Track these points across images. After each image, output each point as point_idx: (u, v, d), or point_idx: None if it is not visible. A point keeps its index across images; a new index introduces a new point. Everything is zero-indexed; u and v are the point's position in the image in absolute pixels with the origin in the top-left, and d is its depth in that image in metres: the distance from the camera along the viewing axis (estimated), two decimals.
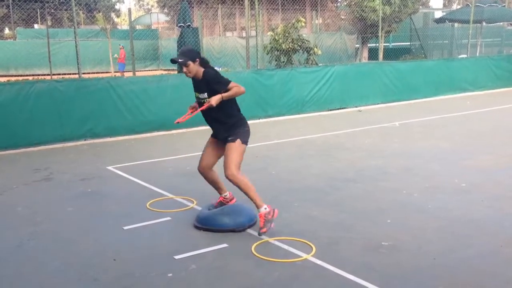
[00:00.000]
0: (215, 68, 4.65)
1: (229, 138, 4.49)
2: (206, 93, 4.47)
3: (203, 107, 4.45)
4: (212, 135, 4.79)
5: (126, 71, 20.29)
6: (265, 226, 4.37)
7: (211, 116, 4.58)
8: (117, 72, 21.85)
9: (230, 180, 4.41)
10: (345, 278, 3.67)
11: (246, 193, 4.45)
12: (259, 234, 4.38)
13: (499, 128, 9.59)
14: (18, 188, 6.27)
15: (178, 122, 4.62)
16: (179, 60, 4.37)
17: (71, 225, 4.93)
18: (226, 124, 4.56)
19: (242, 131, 4.56)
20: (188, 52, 4.46)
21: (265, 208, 4.41)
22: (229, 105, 4.54)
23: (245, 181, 4.43)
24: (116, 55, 21.82)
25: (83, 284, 3.70)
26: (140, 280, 3.72)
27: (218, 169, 4.83)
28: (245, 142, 4.54)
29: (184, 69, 4.42)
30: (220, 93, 4.40)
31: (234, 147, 4.45)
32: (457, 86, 14.67)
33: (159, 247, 4.33)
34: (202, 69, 4.46)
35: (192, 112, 4.68)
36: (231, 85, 4.45)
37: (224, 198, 4.89)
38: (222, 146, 4.60)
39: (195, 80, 4.55)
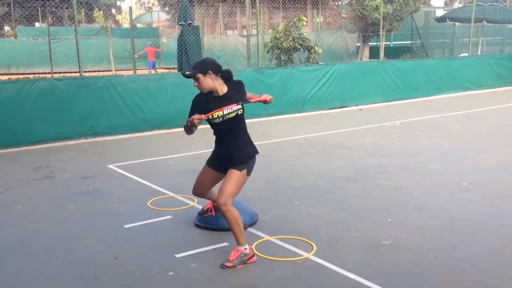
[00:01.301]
0: None
1: (237, 165, 3.98)
2: (240, 104, 4.01)
3: (261, 99, 4.07)
4: (210, 164, 4.30)
5: (127, 69, 20.28)
6: (233, 262, 3.83)
7: (232, 134, 4.04)
8: (116, 70, 21.84)
9: (220, 208, 3.87)
10: (346, 277, 3.67)
11: (232, 227, 3.89)
12: (222, 266, 3.84)
13: (500, 127, 9.58)
14: (19, 186, 6.27)
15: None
16: (187, 73, 3.95)
17: (72, 223, 4.94)
18: (241, 145, 4.06)
19: (252, 160, 4.10)
20: (200, 63, 3.96)
21: (245, 249, 3.91)
22: (245, 122, 4.14)
23: (236, 216, 3.88)
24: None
25: (84, 281, 3.71)
26: (141, 278, 3.73)
27: None
28: (249, 173, 4.06)
29: (195, 84, 3.95)
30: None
31: (237, 177, 3.95)
32: (459, 85, 14.66)
33: (160, 245, 4.34)
34: (224, 84, 4.01)
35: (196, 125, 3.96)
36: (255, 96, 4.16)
37: (215, 204, 4.32)
38: (220, 175, 4.19)
39: (213, 97, 3.99)
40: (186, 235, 4.56)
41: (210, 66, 3.91)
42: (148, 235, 4.59)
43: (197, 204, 5.31)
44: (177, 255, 4.09)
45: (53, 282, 3.71)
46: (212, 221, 4.64)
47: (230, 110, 3.96)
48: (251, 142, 4.17)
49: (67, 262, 4.05)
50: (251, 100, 4.13)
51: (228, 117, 3.96)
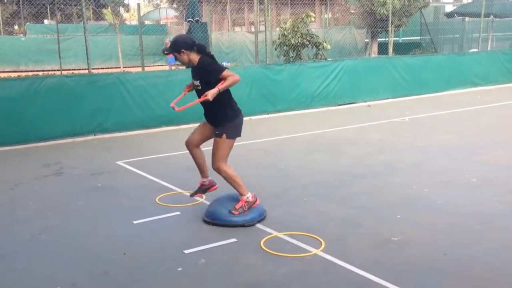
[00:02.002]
0: (224, 63, 4.67)
1: (216, 132, 4.55)
2: (198, 81, 4.53)
3: (199, 100, 4.49)
4: (205, 118, 4.82)
5: (136, 66, 20.35)
6: (239, 210, 4.54)
7: (208, 109, 4.61)
8: (124, 67, 21.90)
9: (218, 172, 4.59)
10: (354, 273, 3.66)
11: (231, 183, 4.59)
12: (229, 211, 4.53)
13: (510, 123, 9.50)
14: (29, 183, 6.32)
15: (172, 107, 4.66)
16: (164, 52, 4.53)
17: (81, 220, 4.96)
18: (219, 114, 4.56)
19: (230, 125, 4.55)
20: (172, 43, 4.49)
21: (248, 197, 4.60)
22: (225, 95, 4.52)
23: (230, 172, 4.57)
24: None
25: (94, 277, 3.73)
26: (150, 274, 3.74)
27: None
28: (231, 136, 4.55)
29: (176, 55, 4.49)
30: (215, 83, 4.39)
31: (220, 143, 4.53)
32: (468, 81, 14.53)
33: (169, 241, 4.35)
34: (198, 56, 4.47)
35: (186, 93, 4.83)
36: (225, 73, 4.41)
37: (203, 183, 4.92)
38: (210, 127, 4.70)
39: (192, 67, 4.59)
40: (194, 231, 4.57)
41: (182, 45, 4.43)
42: (156, 231, 4.60)
43: (205, 201, 5.32)
44: (186, 251, 4.09)
45: (62, 278, 3.73)
46: (220, 217, 4.64)
47: (194, 82, 4.61)
48: (232, 115, 4.57)
49: (76, 258, 4.08)
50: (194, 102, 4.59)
51: (194, 88, 4.65)
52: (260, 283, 3.57)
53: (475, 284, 3.47)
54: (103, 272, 3.80)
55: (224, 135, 4.51)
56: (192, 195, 5.04)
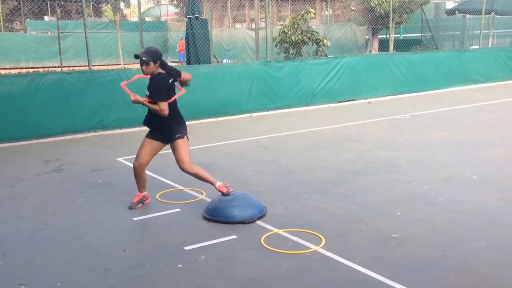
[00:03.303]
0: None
1: (177, 136, 4.81)
2: (149, 92, 4.74)
3: (143, 101, 4.75)
4: (149, 136, 5.01)
5: (136, 63, 20.31)
6: (228, 190, 4.86)
7: (154, 116, 4.82)
8: (125, 64, 21.89)
9: (188, 173, 4.85)
10: (355, 270, 3.66)
11: (203, 179, 4.89)
12: (223, 195, 4.83)
13: (511, 120, 9.49)
14: (29, 179, 6.32)
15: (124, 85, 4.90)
16: (143, 58, 4.60)
17: (82, 216, 4.97)
18: (168, 126, 4.83)
19: (182, 127, 4.90)
20: (154, 52, 4.68)
21: (219, 183, 4.89)
22: (172, 110, 4.78)
23: (199, 169, 4.90)
24: (178, 49, 22.38)
25: (95, 273, 3.74)
26: (151, 270, 3.75)
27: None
28: (185, 136, 4.91)
29: (144, 67, 4.66)
30: (150, 100, 4.69)
31: (183, 143, 4.82)
32: (469, 78, 14.52)
33: (169, 238, 4.36)
34: (158, 71, 4.71)
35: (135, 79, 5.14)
36: (159, 104, 4.65)
37: (144, 196, 5.16)
38: (159, 144, 4.96)
39: (150, 77, 4.79)
40: (194, 228, 4.57)
41: (160, 58, 4.70)
42: (157, 228, 4.61)
43: (206, 197, 5.33)
44: (186, 248, 4.10)
45: (63, 274, 3.74)
46: (220, 214, 4.64)
47: (146, 91, 4.77)
48: (180, 117, 4.93)
49: (77, 254, 4.08)
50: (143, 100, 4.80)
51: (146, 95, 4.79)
52: (260, 280, 3.58)
53: (475, 281, 3.47)
54: (103, 268, 3.80)
55: (185, 137, 4.88)
56: (132, 207, 5.09)
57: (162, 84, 4.70)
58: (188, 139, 4.93)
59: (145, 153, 4.99)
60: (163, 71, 4.74)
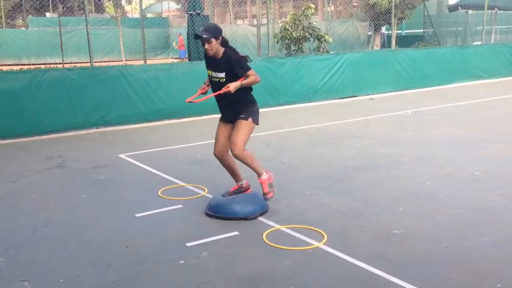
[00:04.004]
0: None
1: (241, 116, 4.50)
2: (224, 73, 4.41)
3: (221, 92, 4.38)
4: (221, 119, 4.75)
5: (138, 59, 20.35)
6: (270, 191, 4.59)
7: (224, 100, 4.52)
8: (126, 60, 21.88)
9: (237, 158, 4.52)
10: (357, 266, 3.66)
11: (249, 165, 4.58)
12: (265, 199, 4.59)
13: None
14: (31, 176, 6.33)
15: (189, 102, 4.59)
16: (204, 36, 4.29)
17: (84, 212, 4.98)
18: (237, 108, 4.54)
19: (253, 109, 4.59)
20: (213, 29, 4.36)
21: (265, 175, 4.61)
22: (245, 91, 4.51)
23: (250, 154, 4.57)
24: (175, 42, 22.34)
25: (97, 269, 3.74)
26: (153, 267, 3.75)
27: None
28: (256, 121, 4.59)
29: (206, 46, 4.33)
30: (240, 78, 4.38)
31: (245, 125, 4.49)
32: (471, 74, 14.47)
33: (171, 234, 4.36)
34: (222, 49, 4.42)
35: (204, 94, 4.66)
36: (250, 72, 4.41)
37: (240, 186, 4.82)
38: (232, 126, 4.63)
39: (211, 58, 4.46)
40: (196, 224, 4.58)
41: (221, 33, 4.37)
42: (159, 224, 4.61)
43: (208, 194, 5.33)
44: (188, 244, 4.10)
45: (65, 270, 3.74)
46: (222, 210, 4.64)
47: (215, 75, 4.48)
48: (249, 103, 4.59)
49: (79, 250, 4.09)
50: (215, 93, 4.50)
51: (213, 80, 4.51)
52: (262, 276, 3.58)
53: (477, 277, 3.47)
54: (105, 264, 3.81)
55: (251, 118, 4.52)
56: (226, 195, 4.85)
57: (238, 56, 4.42)
58: (255, 123, 4.59)
59: (221, 139, 4.68)
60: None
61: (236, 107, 4.54)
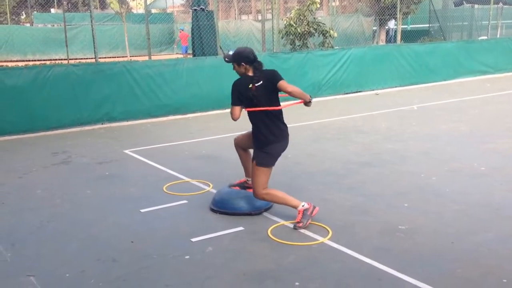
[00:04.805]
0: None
1: (253, 159, 4.38)
2: (261, 81, 4.41)
3: (299, 102, 4.71)
4: None
5: (143, 55, 20.36)
6: (302, 221, 4.24)
7: (261, 116, 4.45)
8: (131, 56, 21.89)
9: (261, 199, 4.41)
10: (362, 261, 3.66)
11: (280, 203, 4.37)
12: (294, 227, 4.24)
13: None
14: (37, 171, 6.35)
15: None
16: (225, 59, 4.48)
17: (89, 208, 4.99)
18: (257, 135, 4.42)
19: (258, 151, 4.37)
20: (237, 54, 4.41)
21: (303, 205, 4.31)
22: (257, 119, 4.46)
23: (276, 194, 4.33)
24: (178, 40, 22.57)
25: (102, 264, 3.76)
26: (158, 262, 3.76)
27: None
28: (261, 164, 4.30)
29: (233, 68, 4.48)
30: (282, 84, 4.50)
31: (255, 170, 4.33)
32: (477, 69, 14.39)
33: (176, 229, 4.37)
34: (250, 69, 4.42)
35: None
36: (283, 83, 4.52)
37: (246, 181, 4.81)
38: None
39: (244, 78, 4.42)
40: (201, 220, 4.58)
41: (243, 59, 4.37)
42: (164, 220, 4.62)
43: (212, 189, 5.33)
44: (193, 239, 4.11)
45: (71, 265, 3.76)
46: (227, 206, 4.65)
47: (256, 82, 4.39)
48: (263, 136, 4.40)
49: (84, 245, 4.11)
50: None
51: (255, 93, 4.37)
52: (268, 271, 3.58)
53: (482, 272, 3.46)
54: (111, 260, 3.82)
55: (254, 162, 4.34)
56: (231, 186, 4.88)
57: (240, 85, 4.36)
58: (262, 167, 4.31)
59: (243, 136, 4.71)
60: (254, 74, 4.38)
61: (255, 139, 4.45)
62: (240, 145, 4.73)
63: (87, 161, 6.78)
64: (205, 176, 5.80)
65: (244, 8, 32.55)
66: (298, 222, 4.25)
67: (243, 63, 4.38)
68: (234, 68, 4.47)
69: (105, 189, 5.58)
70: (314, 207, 4.35)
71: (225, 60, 4.50)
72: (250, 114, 4.39)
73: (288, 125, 4.50)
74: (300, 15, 12.27)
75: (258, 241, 4.05)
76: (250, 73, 4.40)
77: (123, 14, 21.70)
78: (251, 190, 4.68)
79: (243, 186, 4.85)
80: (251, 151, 4.55)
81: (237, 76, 4.45)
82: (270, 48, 12.55)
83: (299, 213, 4.28)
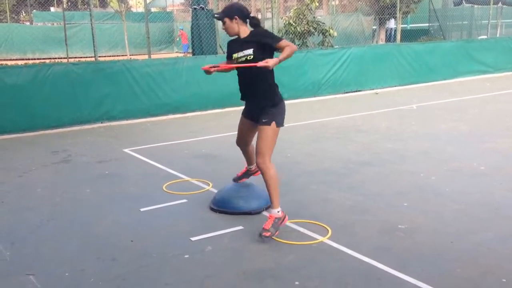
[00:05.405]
0: None
1: (264, 120, 4.07)
2: (251, 49, 4.01)
3: (257, 64, 3.84)
4: (244, 114, 4.42)
5: (142, 54, 20.34)
6: (270, 230, 3.96)
7: (250, 83, 4.12)
8: (131, 55, 21.87)
9: (259, 168, 4.04)
10: (361, 261, 3.66)
11: (268, 187, 4.04)
12: (260, 235, 3.97)
13: None
14: (37, 170, 6.35)
15: (205, 69, 4.15)
16: (215, 16, 4.18)
17: (89, 206, 4.99)
18: (266, 93, 4.13)
19: (277, 111, 4.15)
20: (227, 7, 4.08)
21: (278, 212, 4.05)
22: (272, 75, 4.13)
23: (274, 176, 4.02)
24: (177, 38, 22.56)
25: (102, 263, 3.76)
26: (157, 261, 3.76)
27: None
28: (280, 124, 4.14)
29: (223, 27, 4.10)
30: (270, 51, 4.00)
31: (269, 132, 4.05)
32: (477, 68, 14.40)
33: (176, 228, 4.37)
34: (248, 29, 4.11)
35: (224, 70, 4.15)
36: (283, 42, 3.98)
37: (249, 169, 4.72)
38: (254, 124, 4.31)
39: (234, 41, 4.16)
40: (201, 219, 4.58)
41: (236, 12, 4.05)
42: (163, 219, 4.62)
43: (212, 188, 5.33)
44: (193, 238, 4.11)
45: (70, 263, 3.76)
46: (227, 205, 4.65)
47: (241, 54, 4.08)
48: (274, 91, 4.19)
49: (84, 244, 4.11)
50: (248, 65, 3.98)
51: (240, 61, 4.10)
52: (267, 271, 3.58)
53: (482, 272, 3.46)
54: (111, 258, 3.82)
55: (274, 123, 4.07)
56: (235, 180, 4.79)
57: (266, 29, 4.06)
58: (280, 126, 4.16)
59: (243, 132, 4.45)
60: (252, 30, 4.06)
61: (260, 98, 4.13)
62: (247, 143, 4.52)
63: (87, 160, 6.78)
64: (205, 175, 5.80)
65: None
66: (266, 231, 3.94)
67: (236, 17, 4.01)
68: (225, 26, 4.07)
69: (104, 188, 5.58)
70: (285, 217, 4.11)
71: (214, 16, 4.17)
72: (252, 70, 3.96)
73: (287, 124, 4.45)
74: (299, 14, 12.26)
75: (258, 241, 4.05)
76: (244, 33, 4.06)
77: (123, 12, 21.69)
78: (258, 174, 4.58)
79: (248, 174, 4.75)
80: (253, 142, 4.40)
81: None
82: None
83: (269, 218, 4.02)
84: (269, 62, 3.82)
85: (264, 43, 3.99)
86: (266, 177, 4.03)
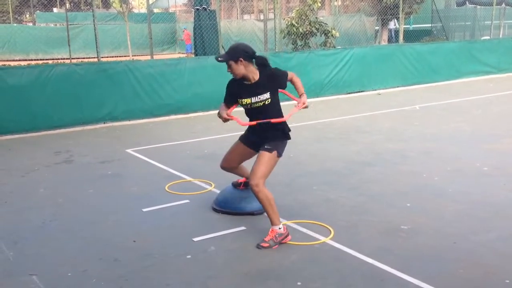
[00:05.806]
0: None
1: (267, 147, 4.02)
2: (268, 93, 3.97)
3: (296, 110, 4.05)
4: (243, 140, 4.35)
5: (145, 55, 20.37)
6: (269, 242, 3.88)
7: (263, 116, 4.05)
8: (133, 55, 21.90)
9: (252, 189, 3.93)
10: (363, 261, 3.65)
11: (265, 207, 3.96)
12: (258, 246, 3.90)
13: None
14: (40, 170, 6.36)
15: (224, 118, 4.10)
16: (219, 59, 3.97)
17: (91, 207, 5.00)
18: (278, 127, 4.14)
19: (282, 142, 4.16)
20: (231, 49, 3.94)
21: (280, 228, 3.96)
22: (277, 102, 4.12)
23: (268, 196, 3.93)
24: (181, 38, 22.67)
25: (104, 263, 3.76)
26: (160, 261, 3.77)
27: None
28: (280, 154, 4.12)
29: (228, 70, 3.97)
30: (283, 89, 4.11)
31: (269, 159, 3.99)
32: (480, 69, 14.36)
33: (178, 229, 4.37)
34: (256, 70, 3.99)
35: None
36: (289, 75, 4.09)
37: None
38: (251, 152, 4.30)
39: (244, 85, 4.02)
40: (203, 219, 4.58)
41: (241, 53, 3.91)
42: (166, 219, 4.62)
43: (214, 189, 5.33)
44: (195, 239, 4.11)
45: (73, 264, 3.77)
46: (229, 206, 4.65)
47: (257, 99, 4.00)
48: (284, 126, 4.22)
49: (86, 244, 4.11)
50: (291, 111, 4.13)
51: (255, 106, 4.03)
52: (269, 271, 3.58)
53: (484, 272, 3.45)
54: (113, 259, 3.83)
55: (275, 152, 4.04)
56: (235, 185, 4.74)
57: (275, 69, 4.04)
58: (279, 156, 4.14)
59: (233, 156, 4.40)
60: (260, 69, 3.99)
61: (272, 132, 4.10)
62: (232, 166, 4.50)
63: (89, 160, 6.79)
64: (207, 175, 5.80)
65: (246, 7, 32.54)
66: (265, 242, 3.89)
67: (241, 59, 3.87)
68: (230, 69, 3.95)
69: (107, 188, 5.59)
70: (287, 236, 3.99)
71: (217, 59, 3.97)
72: (267, 108, 4.02)
73: (290, 125, 4.45)
74: (301, 14, 12.26)
75: (260, 241, 4.04)
76: (253, 75, 3.97)
77: (125, 13, 21.72)
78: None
79: (247, 183, 4.73)
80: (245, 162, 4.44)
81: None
82: (272, 48, 12.53)
83: (271, 232, 3.93)
84: (306, 102, 4.09)
85: (282, 85, 4.07)
86: (259, 197, 3.94)
